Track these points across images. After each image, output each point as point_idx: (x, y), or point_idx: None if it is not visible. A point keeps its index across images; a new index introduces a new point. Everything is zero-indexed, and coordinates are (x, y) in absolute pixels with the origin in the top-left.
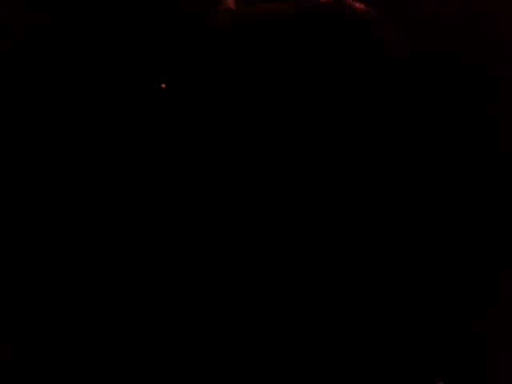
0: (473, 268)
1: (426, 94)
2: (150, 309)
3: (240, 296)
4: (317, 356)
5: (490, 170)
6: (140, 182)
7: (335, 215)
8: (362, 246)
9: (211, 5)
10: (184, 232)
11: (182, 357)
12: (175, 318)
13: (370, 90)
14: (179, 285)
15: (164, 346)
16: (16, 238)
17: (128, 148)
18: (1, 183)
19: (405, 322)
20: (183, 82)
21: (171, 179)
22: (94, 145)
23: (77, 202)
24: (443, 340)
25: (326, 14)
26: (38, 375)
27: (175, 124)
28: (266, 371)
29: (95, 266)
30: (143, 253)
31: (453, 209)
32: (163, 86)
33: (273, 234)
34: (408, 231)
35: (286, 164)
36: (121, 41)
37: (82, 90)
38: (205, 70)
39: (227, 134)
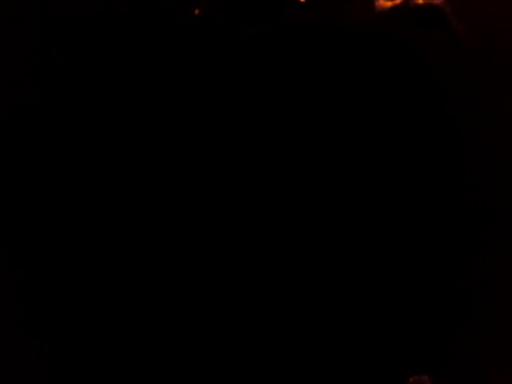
0: (472, 265)
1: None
2: (148, 308)
3: (238, 294)
4: (312, 352)
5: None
6: (139, 180)
7: (337, 215)
8: (360, 245)
9: None
10: (183, 231)
11: (179, 356)
12: (173, 317)
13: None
14: (177, 284)
15: (161, 345)
16: (14, 237)
17: (126, 146)
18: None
19: (399, 318)
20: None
21: (170, 178)
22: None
23: (75, 199)
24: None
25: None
26: (37, 375)
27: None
28: (263, 369)
29: (93, 265)
30: (141, 252)
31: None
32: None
33: (273, 233)
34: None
35: (288, 162)
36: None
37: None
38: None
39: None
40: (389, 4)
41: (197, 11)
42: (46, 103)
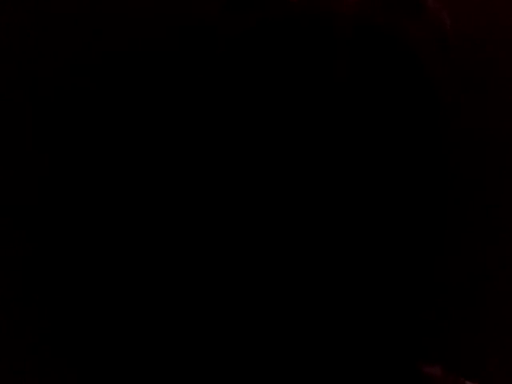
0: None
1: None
2: (153, 309)
3: (247, 296)
4: (323, 355)
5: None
6: (144, 180)
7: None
8: (369, 246)
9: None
10: (192, 232)
11: (184, 357)
12: (180, 318)
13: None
14: (184, 285)
15: (166, 347)
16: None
17: (130, 147)
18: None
19: (407, 318)
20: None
21: (178, 179)
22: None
23: (75, 199)
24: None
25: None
26: (36, 376)
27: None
28: (272, 372)
29: (94, 265)
30: (146, 252)
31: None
32: None
33: (284, 232)
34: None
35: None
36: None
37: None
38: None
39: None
40: None
41: None
42: (45, 102)
